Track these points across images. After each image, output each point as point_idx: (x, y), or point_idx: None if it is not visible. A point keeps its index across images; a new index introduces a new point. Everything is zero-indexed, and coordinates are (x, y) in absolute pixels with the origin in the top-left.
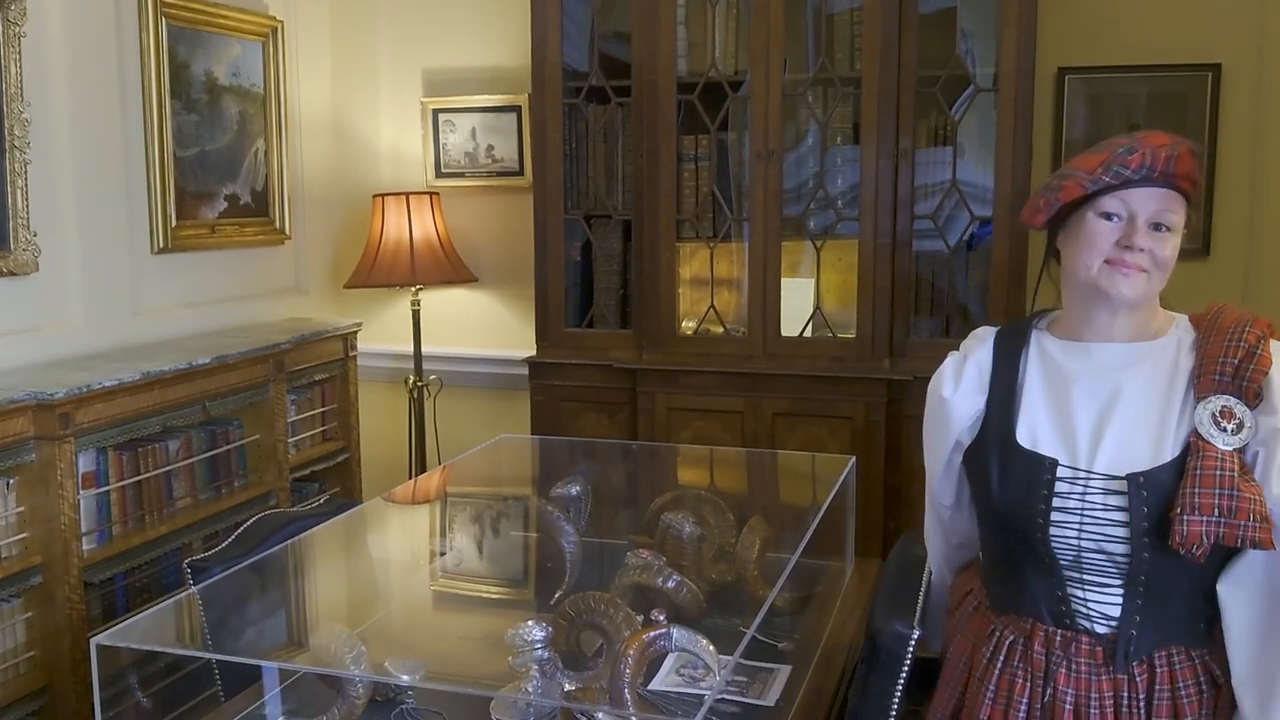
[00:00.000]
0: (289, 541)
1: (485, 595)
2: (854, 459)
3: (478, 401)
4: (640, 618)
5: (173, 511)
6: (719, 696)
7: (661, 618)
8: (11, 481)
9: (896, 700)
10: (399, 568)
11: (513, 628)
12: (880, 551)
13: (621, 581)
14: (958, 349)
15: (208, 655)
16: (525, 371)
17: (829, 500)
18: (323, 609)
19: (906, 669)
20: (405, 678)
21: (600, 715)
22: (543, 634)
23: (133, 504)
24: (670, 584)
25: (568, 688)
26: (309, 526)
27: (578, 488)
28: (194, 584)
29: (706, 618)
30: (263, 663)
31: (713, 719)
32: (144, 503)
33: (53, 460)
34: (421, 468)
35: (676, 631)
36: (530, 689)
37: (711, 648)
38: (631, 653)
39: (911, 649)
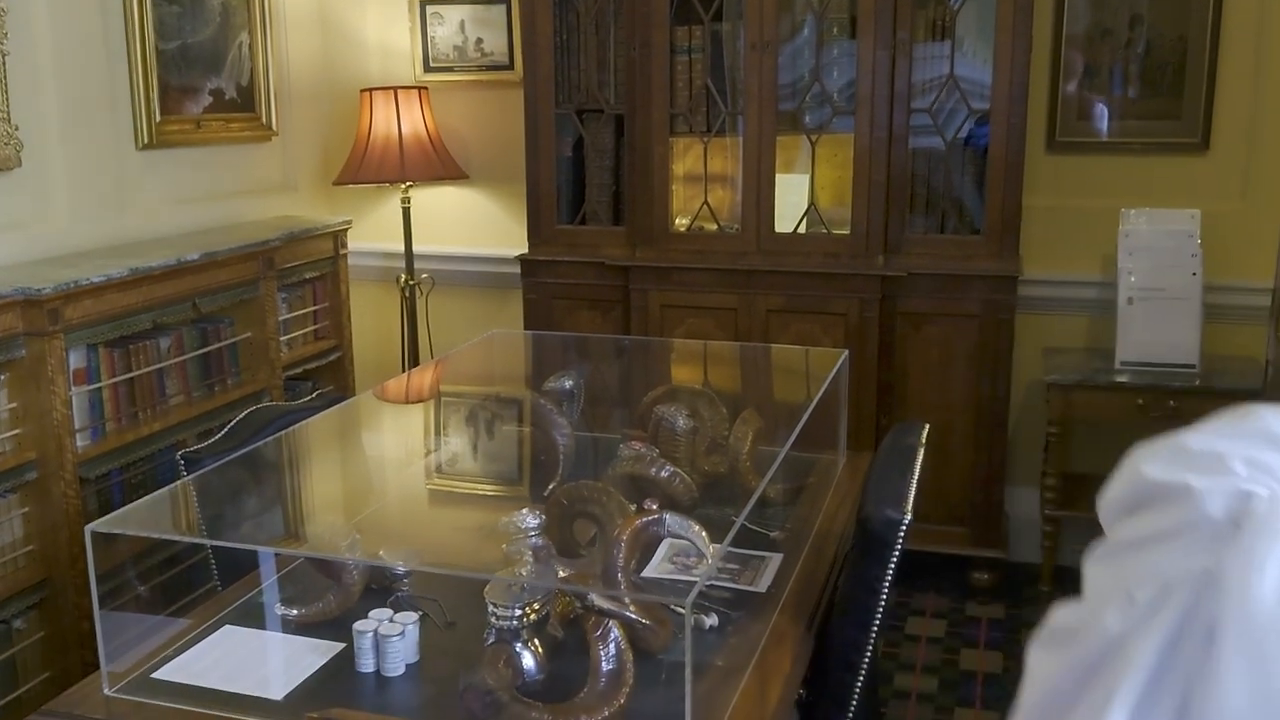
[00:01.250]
0: (282, 433)
1: (478, 489)
2: (847, 353)
3: (470, 300)
4: (633, 507)
5: (166, 409)
6: (710, 583)
7: (654, 506)
8: (2, 378)
9: (886, 585)
10: (392, 462)
11: (506, 516)
12: (873, 445)
13: (614, 472)
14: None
15: (202, 541)
16: (517, 270)
17: (821, 392)
18: (316, 501)
19: (897, 555)
20: (401, 563)
21: (593, 597)
22: (536, 521)
23: (125, 401)
24: (663, 474)
25: (562, 574)
26: (301, 420)
27: (571, 382)
28: (188, 475)
29: (699, 508)
30: (259, 548)
31: (705, 604)
32: (137, 400)
33: (43, 356)
34: (414, 367)
35: (670, 517)
36: (524, 573)
37: (704, 533)
38: (625, 537)
39: (902, 535)
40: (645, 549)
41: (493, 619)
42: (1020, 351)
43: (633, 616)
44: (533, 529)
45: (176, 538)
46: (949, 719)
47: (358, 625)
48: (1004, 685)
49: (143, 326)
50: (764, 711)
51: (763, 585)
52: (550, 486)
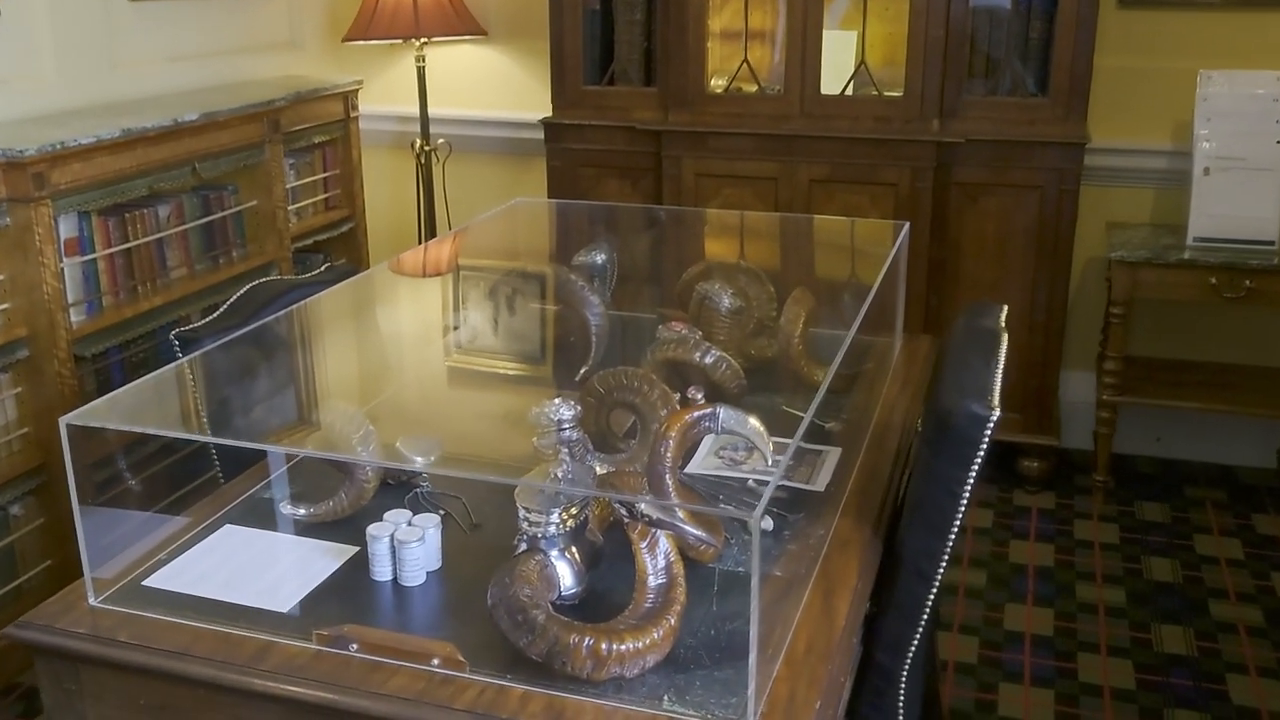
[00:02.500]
0: (288, 309)
1: (503, 371)
2: (908, 224)
3: (490, 168)
4: (676, 396)
5: (167, 282)
6: (762, 479)
7: (700, 395)
8: None
9: (968, 490)
10: (409, 340)
11: (537, 405)
12: (923, 327)
13: (653, 357)
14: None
15: (190, 436)
16: (540, 135)
17: (885, 267)
18: (326, 384)
19: (981, 456)
20: (420, 460)
21: (642, 506)
22: (571, 413)
23: (123, 274)
24: (708, 359)
25: (599, 471)
26: (308, 295)
27: (603, 256)
28: (183, 356)
29: (746, 395)
30: (255, 445)
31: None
32: (135, 272)
33: (29, 225)
34: (432, 239)
35: (724, 411)
36: (559, 474)
37: (762, 429)
38: (672, 435)
39: (989, 433)
40: (692, 446)
41: (524, 525)
42: (1081, 226)
43: (687, 529)
44: (567, 421)
45: (159, 432)
46: (999, 616)
47: (372, 529)
48: (1056, 580)
49: (138, 193)
50: (831, 629)
51: (820, 483)
52: (583, 371)
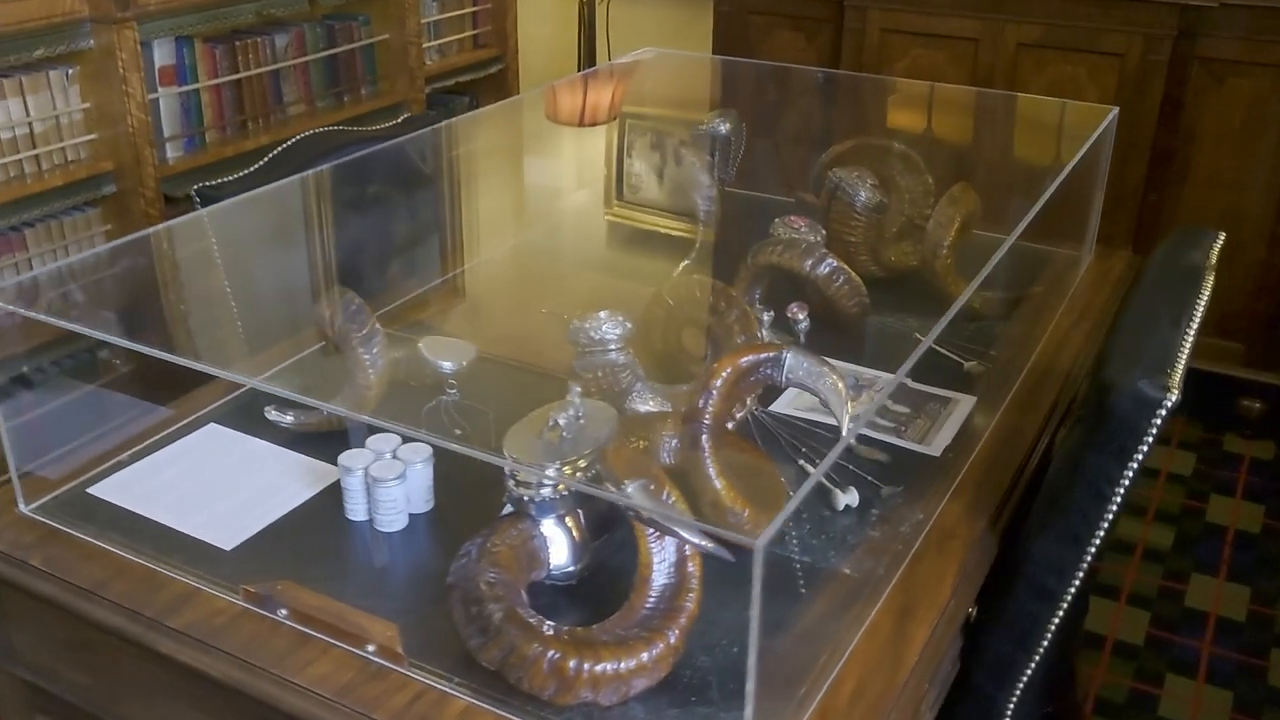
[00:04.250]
0: (325, 166)
1: (584, 257)
2: (1115, 110)
3: (655, 11)
4: (767, 315)
5: (283, 119)
6: (852, 439)
7: (802, 316)
8: (71, 72)
9: (1122, 488)
10: (477, 214)
11: (579, 317)
12: (1130, 240)
13: (756, 260)
14: None
15: (104, 336)
16: None
17: (1074, 162)
18: (366, 261)
19: (1145, 449)
20: (448, 364)
21: (629, 488)
22: (619, 330)
23: (230, 108)
24: (821, 270)
25: (643, 408)
26: (366, 150)
27: (728, 125)
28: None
29: (870, 315)
30: (208, 369)
31: (846, 466)
32: (245, 107)
33: (112, 49)
34: None
35: (791, 357)
36: (560, 420)
37: (840, 385)
38: (718, 383)
39: (1158, 422)
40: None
41: (510, 483)
42: None
43: (686, 534)
44: (612, 341)
45: (66, 325)
46: (1180, 588)
47: (344, 458)
48: (1260, 551)
49: (245, 19)
50: (897, 667)
51: (937, 445)
52: (681, 266)
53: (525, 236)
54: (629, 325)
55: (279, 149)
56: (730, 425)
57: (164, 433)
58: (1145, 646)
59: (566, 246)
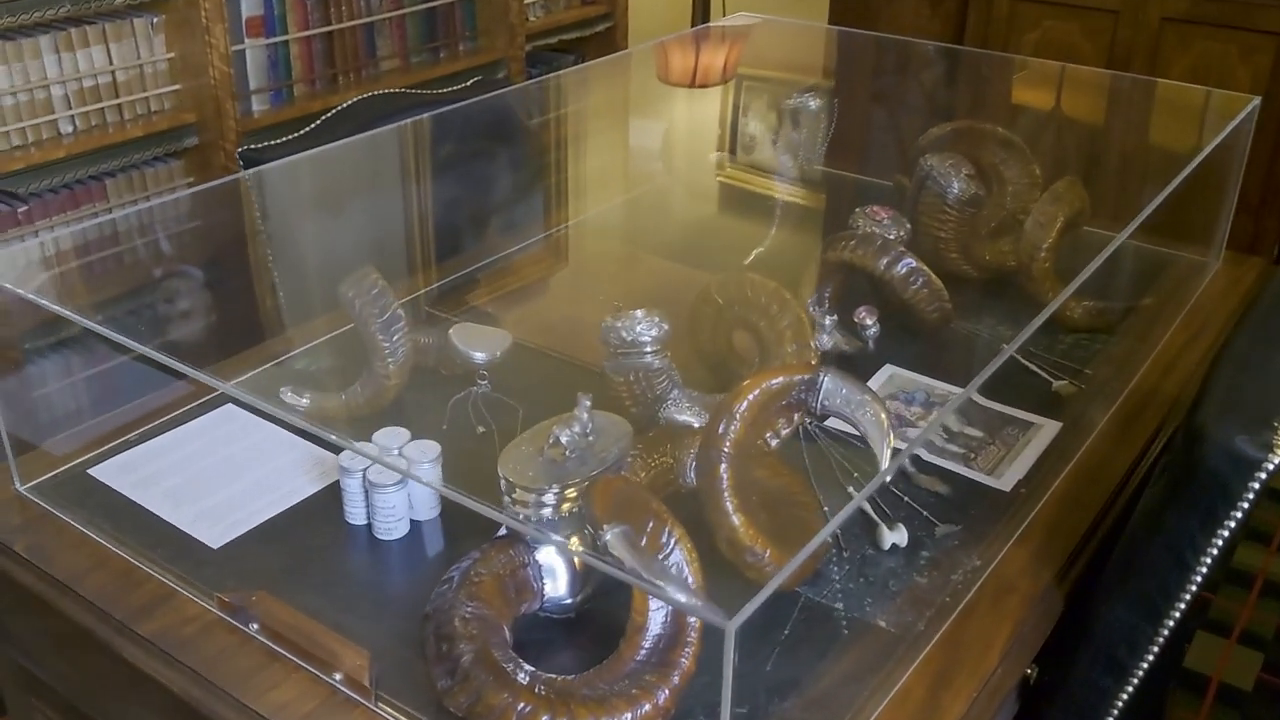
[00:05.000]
0: (381, 129)
1: (646, 239)
2: (1256, 101)
3: None
4: (829, 320)
5: (375, 74)
6: (887, 478)
7: (870, 321)
8: (156, 20)
9: (1209, 557)
10: (551, 188)
11: (612, 315)
12: (1264, 247)
13: (827, 256)
14: None
15: (78, 320)
16: None
17: (1201, 157)
18: (413, 235)
19: (1240, 514)
20: (479, 354)
21: (607, 534)
22: (654, 333)
23: (321, 61)
24: (898, 270)
25: (680, 418)
26: (430, 111)
27: (817, 102)
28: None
29: (955, 321)
30: (214, 380)
31: (898, 494)
32: (335, 60)
33: None
34: None
35: (829, 381)
36: (563, 437)
37: (883, 417)
38: (740, 409)
39: (1258, 485)
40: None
41: (506, 502)
42: None
43: (657, 589)
44: (647, 343)
45: (54, 308)
46: None
47: (344, 458)
48: None
49: None
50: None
51: (1008, 479)
52: (753, 254)
53: (633, 194)
54: (666, 327)
55: (333, 111)
56: (775, 443)
57: (185, 408)
58: (1254, 693)
59: (676, 205)
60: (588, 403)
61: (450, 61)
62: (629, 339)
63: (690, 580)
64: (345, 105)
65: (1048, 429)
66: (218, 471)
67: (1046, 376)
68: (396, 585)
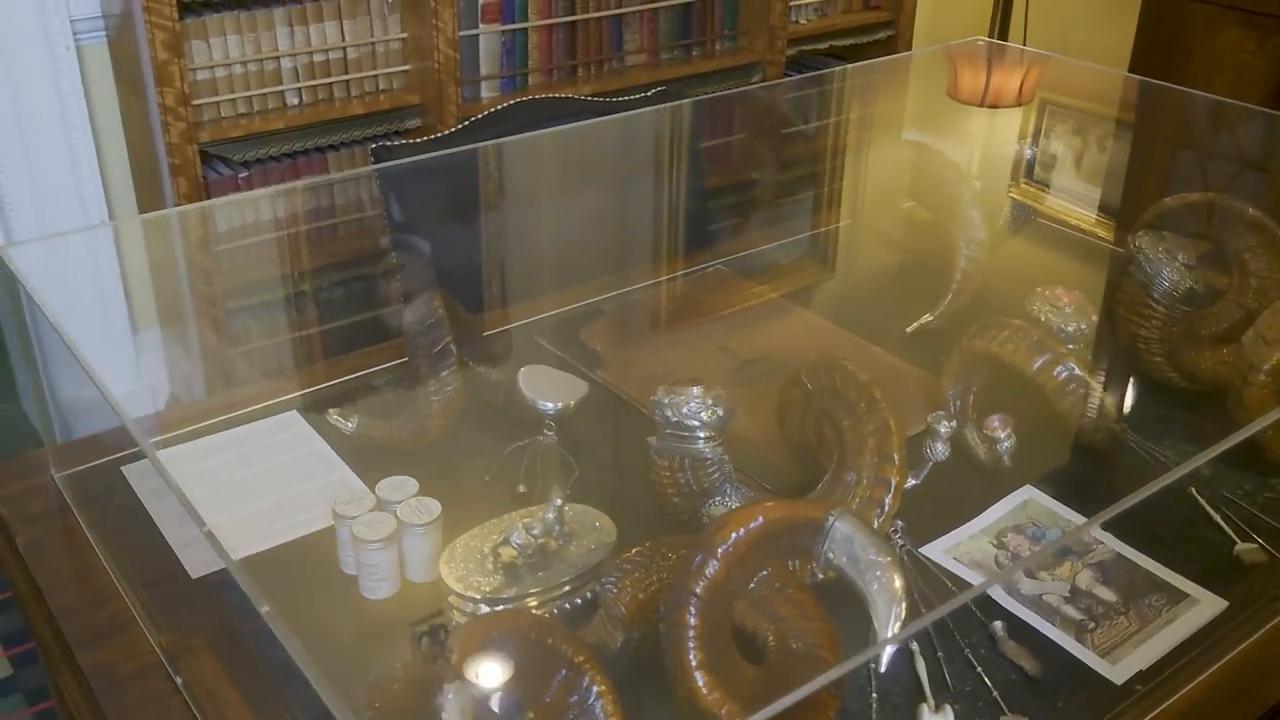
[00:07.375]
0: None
1: (800, 284)
2: None
3: None
4: (945, 426)
5: (620, 69)
6: (882, 667)
7: (1004, 435)
8: (391, 0)
9: None
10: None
11: (664, 387)
12: None
13: (971, 343)
14: None
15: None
16: None
17: None
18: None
19: None
20: (549, 404)
21: (449, 695)
22: (704, 416)
23: (561, 51)
24: (1056, 374)
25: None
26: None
27: (1032, 151)
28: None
29: (1129, 442)
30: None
31: (974, 668)
32: (576, 51)
33: None
34: None
35: (841, 526)
36: (518, 543)
37: (897, 582)
38: (726, 545)
39: None
40: (790, 558)
41: (450, 602)
42: None
43: None
44: (698, 427)
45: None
46: None
47: (340, 504)
48: None
49: None
50: None
51: (1123, 667)
52: (922, 320)
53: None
54: (722, 411)
55: (490, 110)
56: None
57: (257, 405)
58: None
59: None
60: (558, 501)
61: (703, 60)
62: (674, 419)
63: None
64: (497, 109)
65: (1206, 606)
66: (248, 484)
67: (1231, 533)
68: (366, 654)
